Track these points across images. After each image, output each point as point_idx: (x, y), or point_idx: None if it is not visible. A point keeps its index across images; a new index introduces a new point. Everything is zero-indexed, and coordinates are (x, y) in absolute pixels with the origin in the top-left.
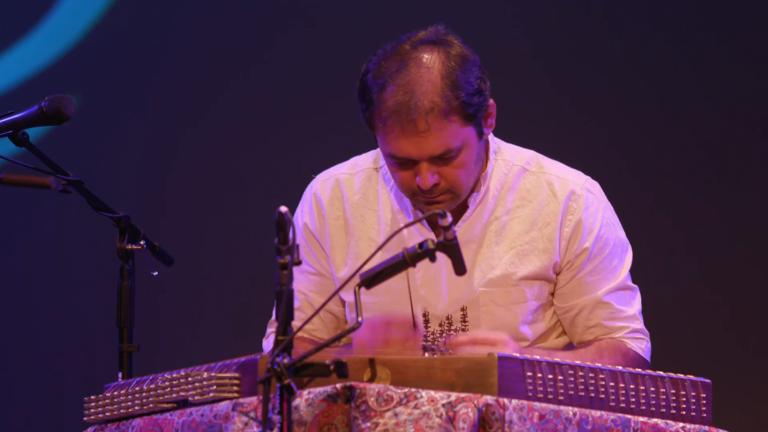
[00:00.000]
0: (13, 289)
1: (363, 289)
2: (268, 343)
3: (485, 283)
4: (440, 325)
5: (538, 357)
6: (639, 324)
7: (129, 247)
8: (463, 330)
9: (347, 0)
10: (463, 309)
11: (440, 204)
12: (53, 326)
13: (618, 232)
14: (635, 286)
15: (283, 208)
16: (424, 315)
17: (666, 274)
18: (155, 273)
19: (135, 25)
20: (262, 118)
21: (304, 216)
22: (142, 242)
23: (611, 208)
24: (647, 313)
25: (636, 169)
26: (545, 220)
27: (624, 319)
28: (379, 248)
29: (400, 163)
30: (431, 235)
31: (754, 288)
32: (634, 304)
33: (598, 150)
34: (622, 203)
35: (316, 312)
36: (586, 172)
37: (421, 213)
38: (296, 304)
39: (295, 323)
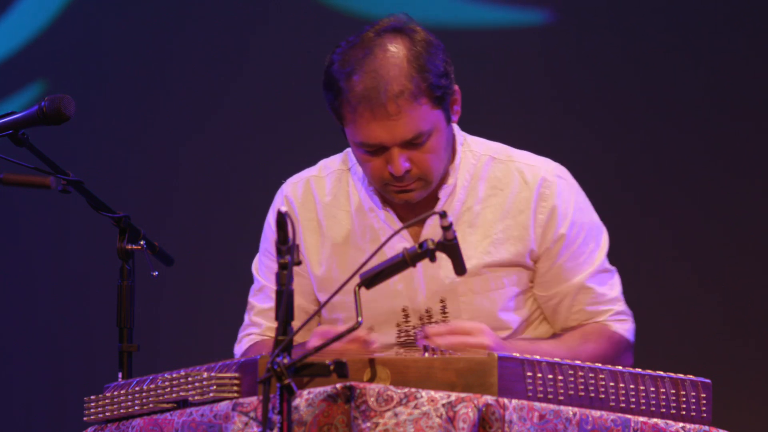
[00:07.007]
0: (14, 289)
1: (352, 288)
2: (239, 348)
3: None
4: (420, 318)
5: (538, 357)
6: (621, 306)
7: (129, 247)
8: (444, 321)
9: (347, 1)
10: (442, 301)
11: (412, 192)
12: (53, 326)
13: (591, 216)
14: (613, 267)
15: (283, 208)
16: (404, 310)
17: (666, 273)
18: (155, 273)
19: (136, 24)
20: (264, 118)
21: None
22: (142, 242)
23: (582, 192)
24: (647, 313)
25: (636, 170)
26: (518, 207)
27: (606, 303)
28: (380, 247)
29: (371, 152)
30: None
31: (754, 288)
32: (614, 286)
33: (595, 150)
34: (622, 203)
35: (314, 314)
36: (583, 171)
37: (391, 205)
38: (270, 303)
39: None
